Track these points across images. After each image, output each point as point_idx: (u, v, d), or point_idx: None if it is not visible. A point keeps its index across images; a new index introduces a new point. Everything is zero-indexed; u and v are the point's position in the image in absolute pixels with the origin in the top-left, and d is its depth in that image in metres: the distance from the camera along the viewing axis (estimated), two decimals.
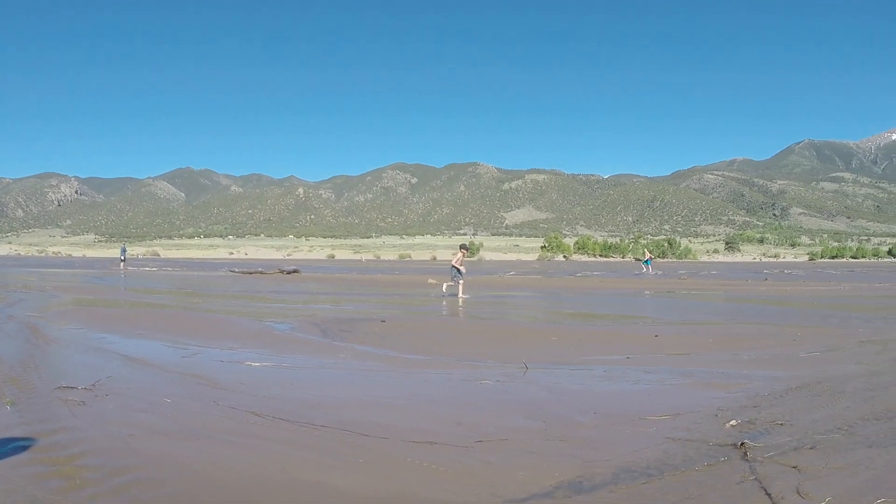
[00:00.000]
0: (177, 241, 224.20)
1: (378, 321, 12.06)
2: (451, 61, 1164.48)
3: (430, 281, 28.76)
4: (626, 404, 5.70)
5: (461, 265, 19.35)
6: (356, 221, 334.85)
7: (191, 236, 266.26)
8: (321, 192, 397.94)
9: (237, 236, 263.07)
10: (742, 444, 4.41)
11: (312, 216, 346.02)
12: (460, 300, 17.90)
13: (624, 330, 11.71)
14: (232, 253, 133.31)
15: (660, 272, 42.98)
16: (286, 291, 22.25)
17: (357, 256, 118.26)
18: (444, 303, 17.32)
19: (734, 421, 5.03)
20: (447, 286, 19.88)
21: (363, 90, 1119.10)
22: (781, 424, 4.92)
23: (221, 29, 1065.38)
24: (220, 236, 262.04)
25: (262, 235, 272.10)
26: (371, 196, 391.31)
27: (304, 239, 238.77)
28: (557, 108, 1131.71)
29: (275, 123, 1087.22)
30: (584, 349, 9.25)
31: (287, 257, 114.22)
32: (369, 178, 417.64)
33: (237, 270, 39.59)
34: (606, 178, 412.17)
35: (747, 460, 4.14)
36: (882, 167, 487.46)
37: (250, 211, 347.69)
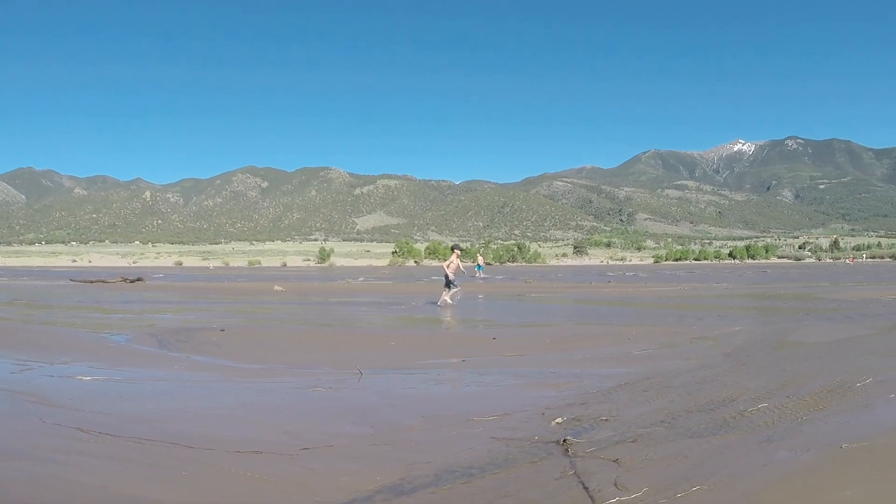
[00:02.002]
0: (16, 247, 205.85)
1: (217, 330, 11.80)
2: (302, 63, 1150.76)
3: (276, 288, 28.18)
4: (455, 406, 5.88)
5: (453, 273, 18.48)
6: (205, 227, 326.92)
7: (31, 242, 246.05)
8: (169, 195, 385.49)
9: (81, 242, 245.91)
10: (564, 440, 4.61)
11: (160, 221, 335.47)
12: (443, 305, 17.61)
13: (463, 333, 11.97)
14: (75, 261, 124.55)
15: (487, 276, 44.36)
16: (128, 301, 21.76)
17: (205, 263, 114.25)
18: (444, 314, 16.81)
19: (560, 418, 5.26)
20: (450, 295, 18.49)
21: (213, 90, 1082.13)
22: (606, 420, 5.20)
23: (65, 22, 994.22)
24: (63, 242, 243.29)
25: (107, 242, 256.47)
26: (220, 200, 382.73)
27: (150, 245, 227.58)
28: (410, 113, 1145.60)
29: (122, 122, 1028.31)
30: (421, 353, 9.40)
31: (133, 265, 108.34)
32: (219, 181, 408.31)
33: (79, 280, 37.77)
34: (458, 184, 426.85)
35: (569, 456, 4.33)
36: (724, 176, 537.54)
37: (95, 215, 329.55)
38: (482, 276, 44.61)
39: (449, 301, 17.92)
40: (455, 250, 19.19)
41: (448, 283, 18.11)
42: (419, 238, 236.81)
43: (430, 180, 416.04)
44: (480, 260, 52.05)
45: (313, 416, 5.56)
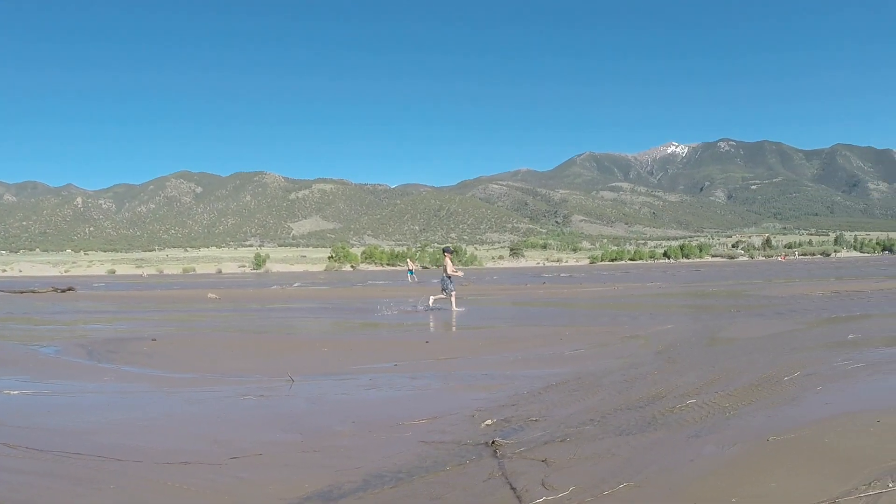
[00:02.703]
0: None
1: (149, 340, 11.57)
2: (235, 67, 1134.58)
3: (210, 295, 27.67)
4: (386, 411, 5.89)
5: (453, 272, 17.79)
6: (138, 234, 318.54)
7: None
8: (101, 201, 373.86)
9: (10, 251, 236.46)
10: (493, 441, 4.65)
11: (92, 228, 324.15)
12: (454, 315, 16.60)
13: (396, 337, 11.99)
14: (5, 270, 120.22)
15: (419, 280, 44.60)
16: (59, 311, 21.25)
17: (139, 271, 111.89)
18: (432, 317, 16.42)
19: (490, 420, 5.30)
20: (435, 299, 18.02)
21: (145, 93, 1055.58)
22: (536, 420, 5.26)
23: None
24: None
25: (37, 250, 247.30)
26: (154, 206, 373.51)
27: (83, 253, 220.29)
28: (345, 116, 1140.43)
29: (52, 126, 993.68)
30: (354, 359, 9.38)
31: (64, 274, 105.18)
32: (152, 186, 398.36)
33: (7, 290, 36.61)
34: (394, 188, 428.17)
35: (497, 457, 4.36)
36: (658, 178, 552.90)
37: (24, 223, 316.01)
38: (414, 280, 44.73)
39: (451, 305, 17.41)
40: (446, 252, 18.68)
41: (445, 288, 17.55)
42: (355, 243, 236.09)
43: (365, 184, 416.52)
44: (411, 264, 52.14)
45: (243, 424, 5.56)
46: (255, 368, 8.73)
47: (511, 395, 6.30)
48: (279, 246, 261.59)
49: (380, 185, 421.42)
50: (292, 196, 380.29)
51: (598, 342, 9.99)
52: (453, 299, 17.26)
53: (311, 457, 4.55)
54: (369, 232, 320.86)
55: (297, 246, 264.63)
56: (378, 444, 4.84)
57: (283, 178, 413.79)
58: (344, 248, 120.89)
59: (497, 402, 6.01)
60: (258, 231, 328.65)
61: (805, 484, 3.78)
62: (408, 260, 64.47)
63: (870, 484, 3.74)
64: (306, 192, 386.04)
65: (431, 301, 17.69)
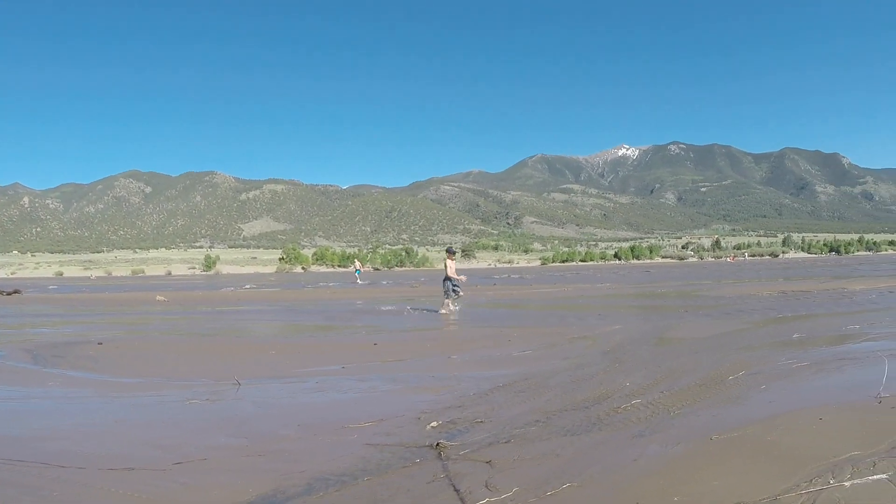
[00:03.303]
0: None
1: (95, 344, 11.34)
2: (186, 65, 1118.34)
3: (159, 298, 27.21)
4: (332, 414, 5.90)
5: (454, 275, 17.06)
6: (87, 234, 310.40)
7: None
8: (48, 201, 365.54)
9: None
10: (437, 444, 4.68)
11: (39, 229, 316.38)
12: (447, 313, 16.41)
13: (345, 340, 11.95)
14: None
15: (365, 282, 44.55)
16: (3, 315, 20.89)
17: (87, 273, 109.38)
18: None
19: (435, 422, 5.33)
20: (447, 303, 17.04)
21: (95, 91, 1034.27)
22: (482, 422, 5.30)
23: None
24: None
25: None
26: (102, 206, 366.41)
27: (29, 255, 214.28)
28: (297, 116, 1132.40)
29: None
30: (301, 361, 9.36)
31: (10, 276, 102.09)
32: (101, 186, 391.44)
33: None
34: (345, 189, 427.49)
35: (441, 459, 4.39)
36: (609, 180, 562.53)
37: None
38: (360, 281, 44.58)
39: (452, 307, 16.91)
40: (449, 254, 17.95)
41: (447, 290, 17.01)
42: (307, 244, 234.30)
43: (317, 185, 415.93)
44: (358, 265, 51.89)
45: (188, 429, 5.56)
46: (201, 372, 8.69)
47: (457, 396, 6.34)
48: (230, 247, 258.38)
49: (331, 185, 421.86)
50: (243, 197, 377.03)
51: (546, 343, 10.09)
52: (455, 301, 17.08)
53: (256, 461, 4.57)
54: (321, 233, 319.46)
55: (248, 247, 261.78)
56: (323, 447, 4.86)
57: (234, 178, 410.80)
58: (295, 250, 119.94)
59: (443, 403, 6.05)
60: (208, 232, 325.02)
61: (747, 481, 3.85)
62: (356, 261, 64.30)
63: (811, 481, 3.82)
64: (257, 192, 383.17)
65: (451, 306, 16.98)
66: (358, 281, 45.29)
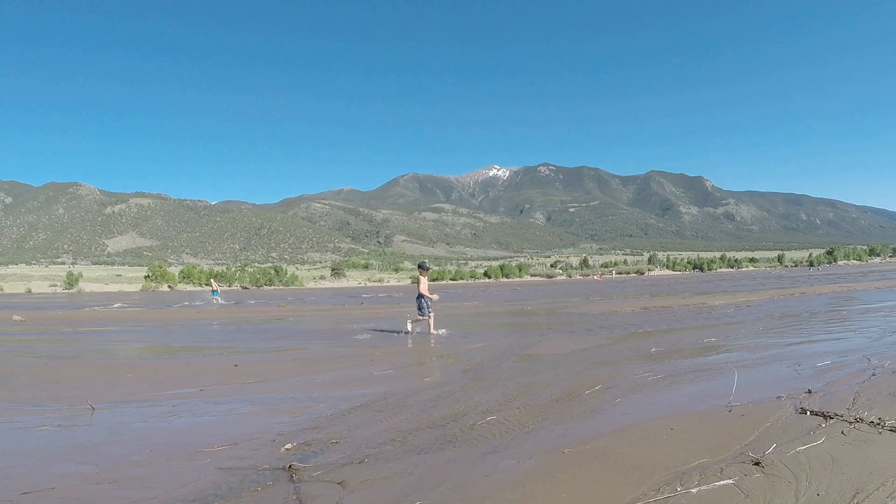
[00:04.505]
0: None
1: None
2: (51, 69, 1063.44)
3: (16, 318, 25.52)
4: (186, 438, 5.77)
5: (426, 292, 15.65)
6: None
7: None
8: None
9: None
10: (290, 466, 4.66)
11: None
12: (432, 338, 15.02)
13: (205, 361, 11.62)
14: None
15: (224, 302, 43.65)
16: None
17: None
18: (410, 342, 14.97)
19: (290, 444, 5.30)
20: (412, 324, 16.10)
21: None
22: (336, 443, 5.29)
23: None
24: None
25: None
26: None
27: None
28: (165, 128, 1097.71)
29: None
30: (160, 384, 9.00)
31: None
32: None
33: None
34: (214, 205, 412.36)
35: (294, 482, 4.37)
36: (479, 200, 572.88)
37: None
38: (219, 301, 43.40)
39: (429, 328, 15.66)
40: (421, 269, 16.71)
41: (420, 308, 15.66)
42: (174, 261, 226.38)
43: (185, 200, 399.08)
44: (215, 285, 50.38)
45: (38, 457, 5.32)
46: (56, 397, 8.28)
47: (314, 417, 6.29)
48: (94, 263, 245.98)
49: (200, 200, 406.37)
50: (108, 210, 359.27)
51: (408, 362, 10.14)
52: (432, 321, 15.89)
53: (105, 489, 4.44)
54: (188, 250, 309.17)
55: (113, 264, 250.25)
56: (175, 472, 4.77)
57: (100, 190, 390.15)
58: (161, 268, 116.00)
59: (300, 425, 5.99)
60: (71, 247, 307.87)
61: (597, 492, 4.00)
62: (212, 280, 62.41)
63: (659, 489, 4.00)
64: (123, 206, 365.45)
65: (409, 325, 16.10)
66: (217, 301, 44.01)
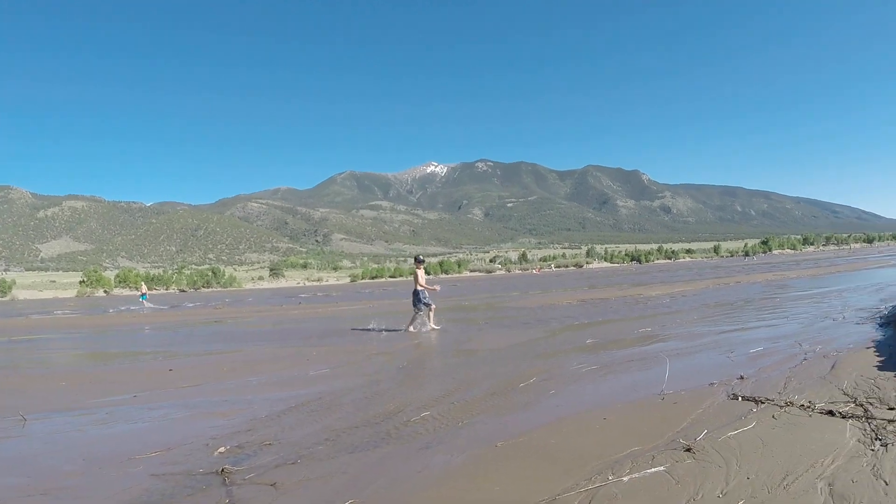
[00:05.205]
0: None
1: None
2: None
3: None
4: (120, 446, 5.67)
5: (423, 286, 15.02)
6: None
7: None
8: None
9: None
10: (223, 469, 4.64)
11: None
12: (429, 329, 14.19)
13: (140, 367, 11.40)
14: None
15: (153, 305, 42.84)
16: None
17: None
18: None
19: (224, 448, 5.27)
20: (412, 319, 15.35)
21: None
22: (270, 444, 5.28)
23: None
24: None
25: None
26: None
27: None
28: (97, 128, 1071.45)
29: None
30: (94, 392, 8.80)
31: None
32: None
33: None
34: (149, 206, 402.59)
35: (227, 485, 4.35)
36: (417, 196, 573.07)
37: None
38: (148, 305, 42.45)
39: (428, 321, 15.08)
40: (418, 263, 16.00)
41: (416, 303, 15.04)
42: (109, 265, 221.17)
43: (120, 202, 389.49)
44: (144, 288, 49.39)
45: None
46: None
47: (249, 419, 6.25)
48: (27, 270, 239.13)
49: (135, 202, 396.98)
50: (41, 214, 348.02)
51: (344, 361, 10.11)
52: (431, 315, 15.28)
53: (37, 500, 4.39)
54: (123, 253, 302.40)
55: (47, 270, 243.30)
56: (108, 480, 4.71)
57: (31, 193, 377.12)
58: (97, 272, 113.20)
59: (234, 428, 5.95)
60: (3, 253, 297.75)
61: (529, 485, 4.05)
62: (142, 283, 60.98)
63: (590, 479, 4.07)
64: (56, 209, 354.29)
65: (427, 319, 15.42)
66: (146, 305, 42.94)
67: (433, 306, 15.28)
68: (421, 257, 16.14)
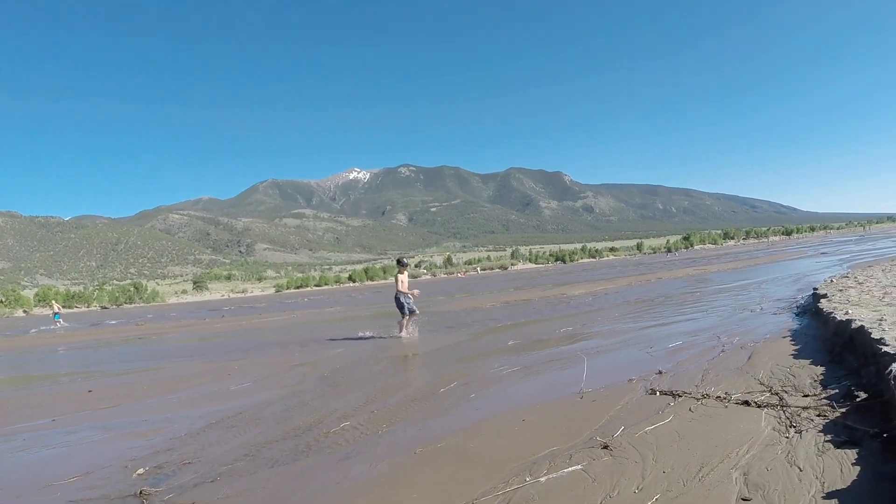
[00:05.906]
0: None
1: None
2: None
3: None
4: (37, 472, 5.52)
5: (403, 289, 14.58)
6: None
7: None
8: None
9: None
10: (141, 492, 4.57)
11: None
12: (408, 335, 14.16)
13: (59, 389, 11.09)
14: None
15: (68, 325, 41.65)
16: None
17: None
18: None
19: (142, 469, 5.20)
20: (405, 324, 14.74)
21: None
22: (190, 463, 5.24)
23: None
24: None
25: None
26: None
27: None
28: (10, 141, 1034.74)
29: None
30: (9, 418, 8.55)
31: None
32: None
33: None
34: (68, 220, 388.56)
35: None
36: (340, 203, 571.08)
37: None
38: (62, 324, 41.00)
39: (409, 330, 14.69)
40: (400, 265, 15.33)
41: (401, 308, 14.68)
42: (28, 283, 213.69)
43: (37, 217, 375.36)
44: (57, 307, 47.56)
45: None
46: None
47: (168, 438, 6.18)
48: None
49: (53, 217, 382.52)
50: None
51: (266, 373, 10.04)
52: (406, 322, 14.72)
53: None
54: (42, 270, 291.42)
55: None
56: None
57: None
58: (15, 291, 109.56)
59: (153, 448, 5.87)
60: None
61: (446, 489, 4.11)
62: (53, 302, 58.65)
63: (508, 481, 4.14)
64: None
65: (403, 332, 14.73)
66: (59, 323, 41.37)
67: (417, 312, 14.95)
68: (405, 260, 15.47)
